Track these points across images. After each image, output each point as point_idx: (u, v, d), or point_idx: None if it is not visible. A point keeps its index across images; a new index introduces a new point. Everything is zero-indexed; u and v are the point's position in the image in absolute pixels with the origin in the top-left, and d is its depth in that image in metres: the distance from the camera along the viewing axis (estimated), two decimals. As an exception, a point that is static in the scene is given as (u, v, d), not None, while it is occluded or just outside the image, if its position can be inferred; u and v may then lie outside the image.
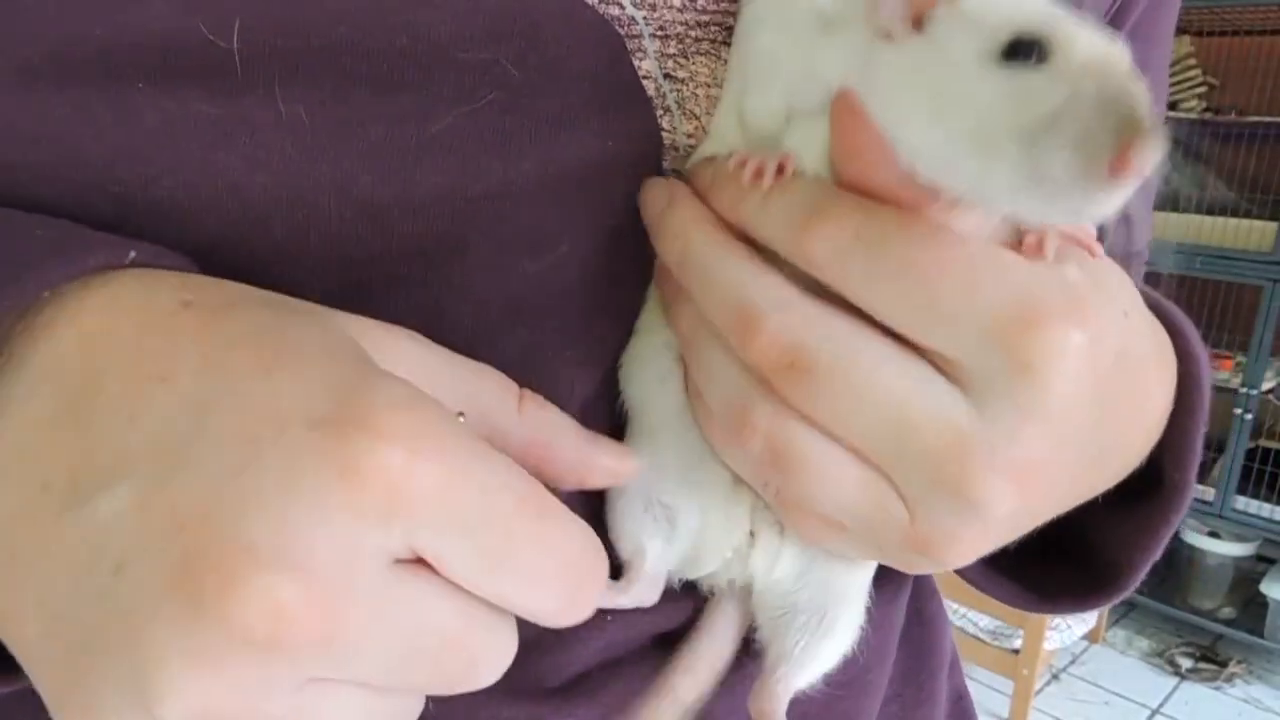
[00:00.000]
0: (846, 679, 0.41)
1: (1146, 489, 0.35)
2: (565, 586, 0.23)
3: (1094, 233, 0.30)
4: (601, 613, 0.35)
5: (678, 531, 0.34)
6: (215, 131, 0.27)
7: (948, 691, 0.50)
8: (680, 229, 0.30)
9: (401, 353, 0.26)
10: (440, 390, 0.25)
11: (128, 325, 0.23)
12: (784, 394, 0.28)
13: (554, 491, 0.25)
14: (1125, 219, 0.52)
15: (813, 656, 0.37)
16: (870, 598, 0.39)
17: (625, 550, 0.34)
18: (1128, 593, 0.37)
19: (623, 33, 0.30)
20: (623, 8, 0.30)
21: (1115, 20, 0.43)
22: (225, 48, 0.26)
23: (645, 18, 0.30)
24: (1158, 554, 0.36)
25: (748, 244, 0.30)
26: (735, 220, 0.30)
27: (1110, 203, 0.24)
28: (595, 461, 0.29)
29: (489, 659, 0.23)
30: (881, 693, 0.44)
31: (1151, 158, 0.23)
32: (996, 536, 0.29)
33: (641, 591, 0.34)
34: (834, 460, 0.28)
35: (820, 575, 0.36)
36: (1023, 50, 0.25)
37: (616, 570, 0.34)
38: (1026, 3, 0.26)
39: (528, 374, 0.29)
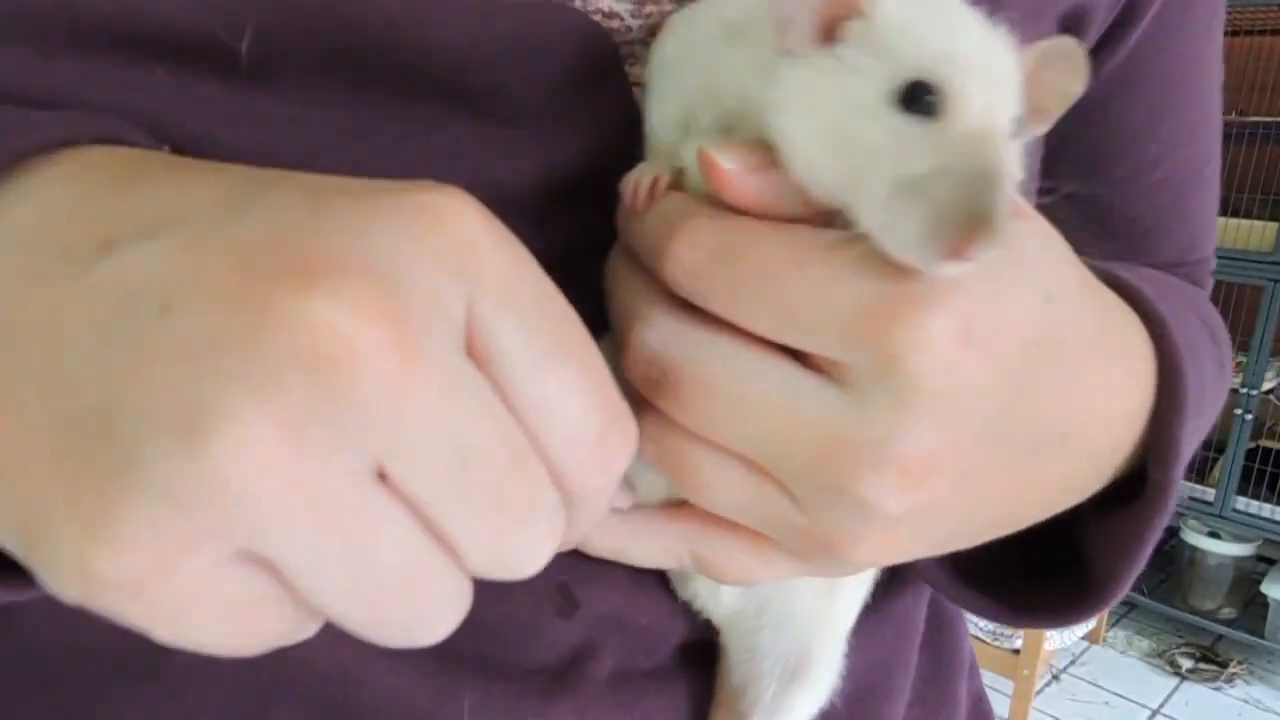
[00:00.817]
0: (870, 685, 0.42)
1: (1139, 491, 0.34)
2: (602, 413, 0.23)
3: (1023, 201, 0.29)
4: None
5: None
6: (226, 113, 0.28)
7: (967, 695, 0.50)
8: (610, 253, 0.31)
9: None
10: None
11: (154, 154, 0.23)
12: (660, 406, 0.28)
13: None
14: (1183, 224, 0.52)
15: (785, 706, 0.36)
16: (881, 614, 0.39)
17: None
18: (1110, 605, 0.36)
19: (619, 40, 0.30)
20: (622, 19, 0.30)
21: (1127, 15, 0.42)
22: (236, 49, 0.27)
23: (642, 27, 0.31)
24: (1142, 562, 0.35)
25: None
26: (624, 240, 0.30)
27: (946, 274, 0.25)
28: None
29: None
30: (905, 698, 0.44)
31: (986, 254, 0.23)
32: (912, 534, 0.29)
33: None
34: (720, 467, 0.28)
35: (779, 613, 0.36)
36: (919, 97, 0.25)
37: None
38: (942, 27, 0.26)
39: None
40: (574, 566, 0.34)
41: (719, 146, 0.27)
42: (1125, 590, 0.36)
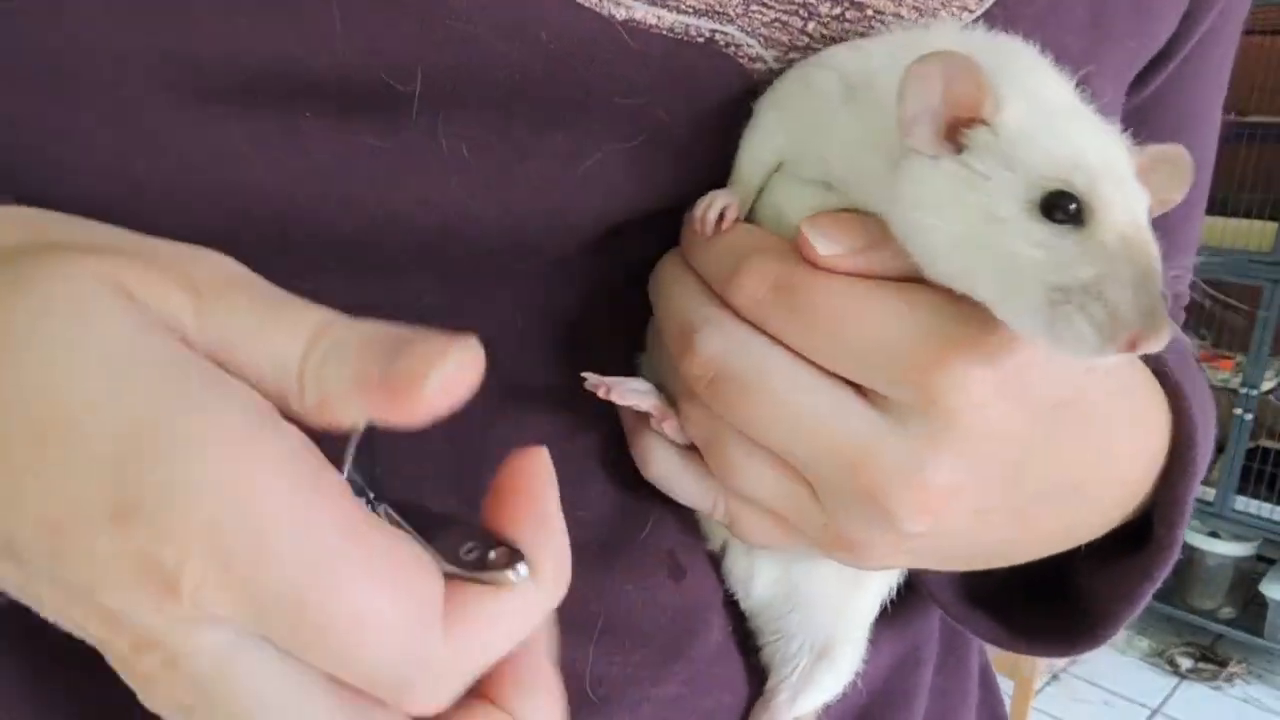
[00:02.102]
0: (904, 656, 0.46)
1: (1140, 543, 0.37)
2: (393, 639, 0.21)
3: None
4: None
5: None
6: (384, 169, 0.29)
7: (978, 662, 0.54)
8: (662, 261, 0.34)
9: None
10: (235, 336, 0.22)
11: None
12: (709, 403, 0.31)
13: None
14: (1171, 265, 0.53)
15: (811, 682, 0.40)
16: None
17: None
18: (1104, 642, 0.39)
19: (752, 71, 0.32)
20: (767, 63, 0.32)
21: (1159, 59, 0.43)
22: (404, 91, 0.28)
23: (775, 58, 0.32)
24: (1138, 608, 0.38)
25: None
26: (690, 259, 0.33)
27: (1106, 363, 0.27)
28: None
29: None
30: (932, 663, 0.48)
31: (1159, 347, 0.25)
32: (921, 550, 0.32)
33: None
34: (752, 457, 0.31)
35: (808, 599, 0.39)
36: (1062, 204, 0.26)
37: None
38: (1070, 135, 0.27)
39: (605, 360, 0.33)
40: (679, 536, 0.38)
41: (817, 227, 0.29)
42: (1120, 628, 0.39)
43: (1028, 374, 0.29)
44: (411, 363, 0.21)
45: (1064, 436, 0.31)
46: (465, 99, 0.29)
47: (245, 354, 0.22)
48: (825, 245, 0.29)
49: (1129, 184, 0.27)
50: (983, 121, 0.27)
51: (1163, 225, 0.45)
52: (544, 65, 0.29)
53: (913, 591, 0.43)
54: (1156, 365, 0.36)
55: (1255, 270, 2.36)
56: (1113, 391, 0.33)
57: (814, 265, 0.29)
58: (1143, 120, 0.45)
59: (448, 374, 0.21)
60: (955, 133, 0.28)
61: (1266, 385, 2.43)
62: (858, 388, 0.29)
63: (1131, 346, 0.25)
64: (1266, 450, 2.50)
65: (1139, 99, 0.45)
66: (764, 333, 0.30)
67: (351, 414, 0.22)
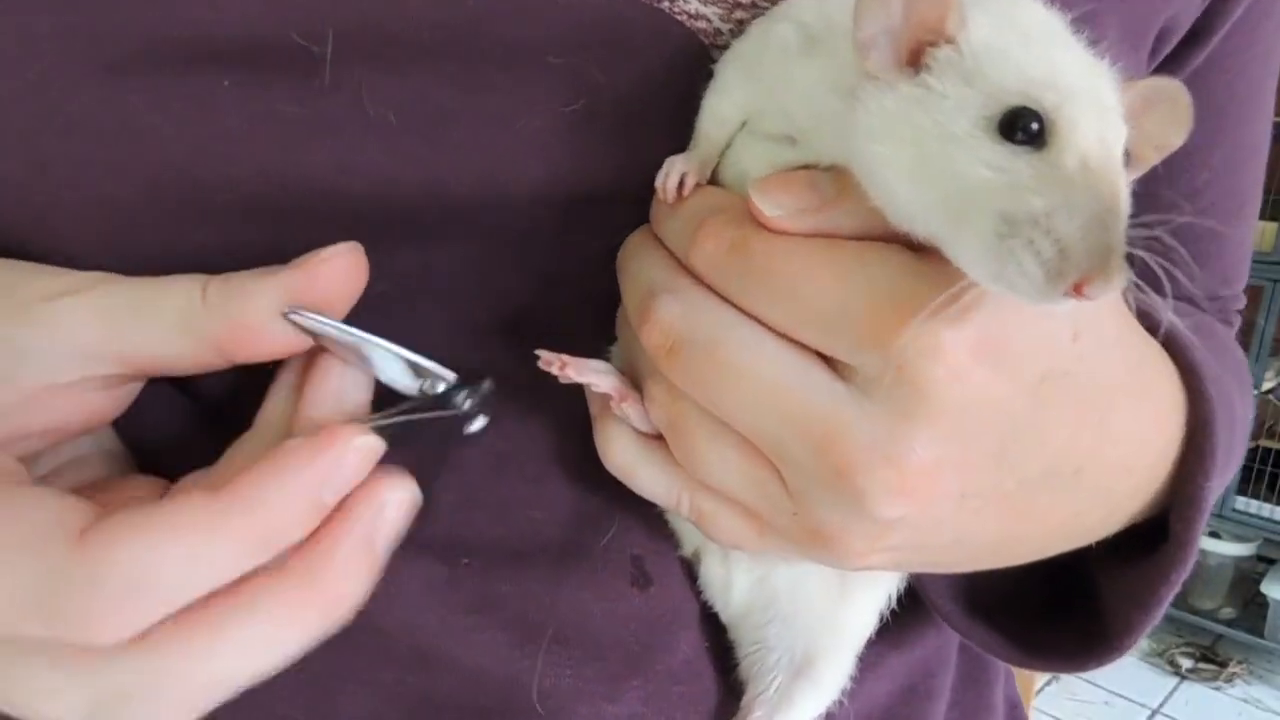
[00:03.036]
0: (911, 683, 0.42)
1: (1157, 544, 0.34)
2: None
3: None
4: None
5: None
6: (300, 133, 0.28)
7: (1004, 701, 0.50)
8: (630, 235, 0.32)
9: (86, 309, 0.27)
10: (125, 326, 0.26)
11: None
12: (669, 374, 0.29)
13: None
14: (1220, 257, 0.50)
15: (789, 701, 0.36)
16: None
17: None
18: (1120, 655, 0.35)
19: (706, 42, 0.30)
20: (709, 21, 0.30)
21: (1197, 34, 0.41)
22: (317, 52, 0.27)
23: (731, 30, 0.31)
24: (1158, 614, 0.34)
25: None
26: (656, 230, 0.31)
27: (1055, 309, 0.24)
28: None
29: None
30: (946, 696, 0.44)
31: (1110, 293, 0.23)
32: (903, 543, 0.29)
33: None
34: (717, 441, 0.29)
35: (789, 609, 0.36)
36: (1022, 124, 0.23)
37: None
38: (1037, 51, 0.24)
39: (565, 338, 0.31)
40: (648, 543, 0.35)
41: (761, 189, 0.27)
42: (1138, 640, 0.35)
43: (1005, 337, 0.26)
44: (307, 256, 0.27)
45: (1056, 413, 0.28)
46: (384, 59, 0.28)
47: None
48: (770, 207, 0.27)
49: (1107, 112, 0.24)
50: (948, 41, 0.25)
51: (1223, 203, 0.41)
52: (465, 22, 0.27)
53: (921, 613, 0.41)
54: (1173, 344, 0.33)
55: (1256, 270, 2.35)
56: (1112, 364, 0.30)
57: (767, 229, 0.27)
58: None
59: (342, 250, 0.27)
60: (918, 57, 0.25)
61: (1266, 385, 2.43)
62: (827, 359, 0.27)
63: (1079, 291, 0.22)
64: (1266, 450, 2.50)
65: (1179, 80, 0.42)
66: (727, 300, 0.28)
67: (263, 308, 0.26)
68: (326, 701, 0.34)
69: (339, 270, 0.27)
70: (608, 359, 0.34)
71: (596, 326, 0.34)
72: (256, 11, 0.26)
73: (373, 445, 0.26)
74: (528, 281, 0.33)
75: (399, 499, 0.27)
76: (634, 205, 0.32)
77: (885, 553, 0.29)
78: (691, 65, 0.30)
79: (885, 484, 0.26)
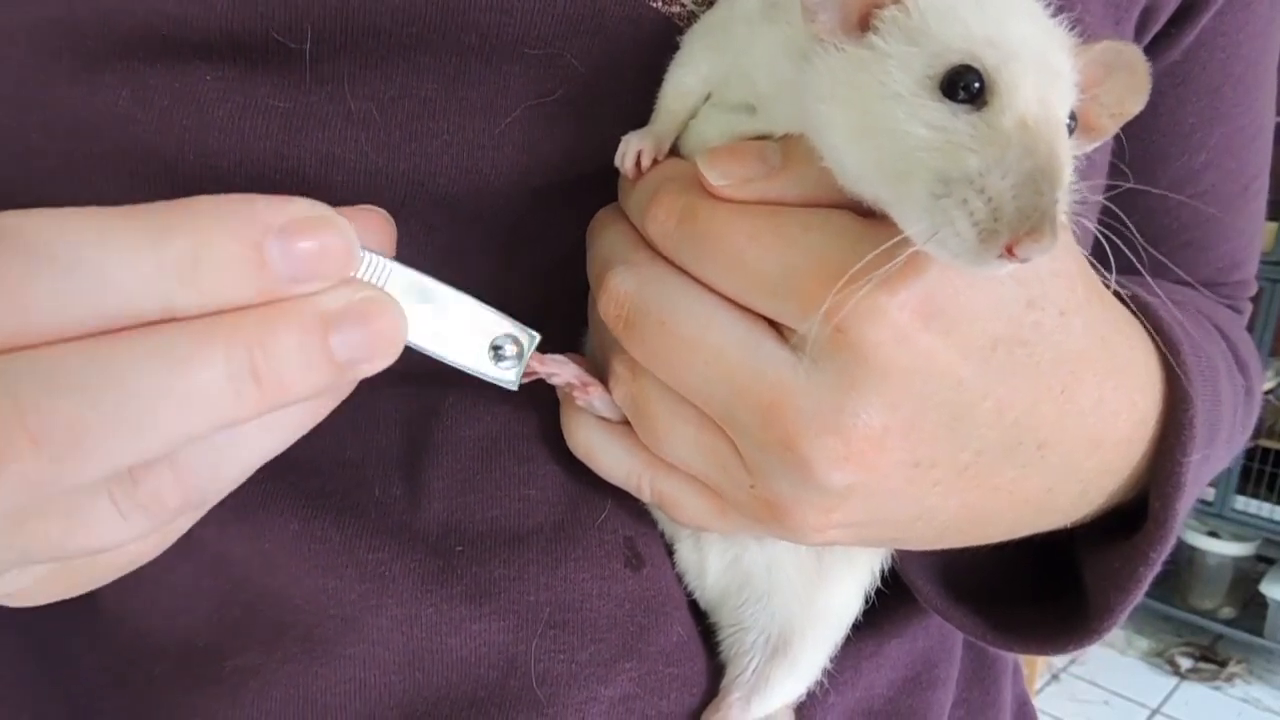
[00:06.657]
0: (914, 673, 0.42)
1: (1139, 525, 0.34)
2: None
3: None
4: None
5: None
6: (285, 126, 0.28)
7: (1012, 698, 0.49)
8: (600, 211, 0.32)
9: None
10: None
11: None
12: (626, 346, 0.29)
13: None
14: (1225, 241, 0.49)
15: (766, 682, 0.36)
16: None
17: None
18: (1100, 637, 0.35)
19: (682, 27, 0.31)
20: (684, 5, 0.31)
21: (1186, 11, 0.40)
22: (296, 48, 0.27)
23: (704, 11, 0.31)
24: (1135, 597, 0.34)
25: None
26: (621, 205, 0.31)
27: (992, 273, 0.24)
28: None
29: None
30: (950, 689, 0.44)
31: (1040, 254, 0.22)
32: (858, 514, 0.29)
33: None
34: (676, 415, 0.29)
35: (763, 590, 0.36)
36: (964, 83, 0.23)
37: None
38: (988, 11, 0.24)
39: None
40: (638, 524, 0.36)
41: (709, 158, 0.27)
42: (1117, 623, 0.35)
43: (950, 301, 0.26)
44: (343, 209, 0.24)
45: (1012, 382, 0.28)
46: (366, 53, 0.28)
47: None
48: (717, 176, 0.27)
49: (1053, 76, 0.24)
50: (895, 1, 0.25)
51: (1226, 185, 0.41)
52: (444, 15, 0.28)
53: (914, 602, 0.40)
54: (1153, 320, 0.33)
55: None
56: (1075, 335, 0.29)
57: (715, 198, 0.27)
58: (1181, 80, 0.43)
59: (372, 207, 0.25)
60: (868, 20, 0.25)
61: (1267, 385, 2.43)
62: (782, 329, 0.27)
63: (1010, 252, 0.22)
64: (1266, 450, 2.50)
65: (1170, 59, 0.42)
66: (683, 271, 0.28)
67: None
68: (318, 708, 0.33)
69: (378, 219, 0.26)
70: (583, 344, 0.34)
71: (580, 312, 0.34)
72: (235, 7, 0.27)
73: (352, 238, 0.22)
74: (511, 268, 0.33)
75: (388, 326, 0.23)
76: (615, 191, 0.32)
77: (843, 527, 0.29)
78: (668, 51, 0.31)
79: (830, 451, 0.26)
